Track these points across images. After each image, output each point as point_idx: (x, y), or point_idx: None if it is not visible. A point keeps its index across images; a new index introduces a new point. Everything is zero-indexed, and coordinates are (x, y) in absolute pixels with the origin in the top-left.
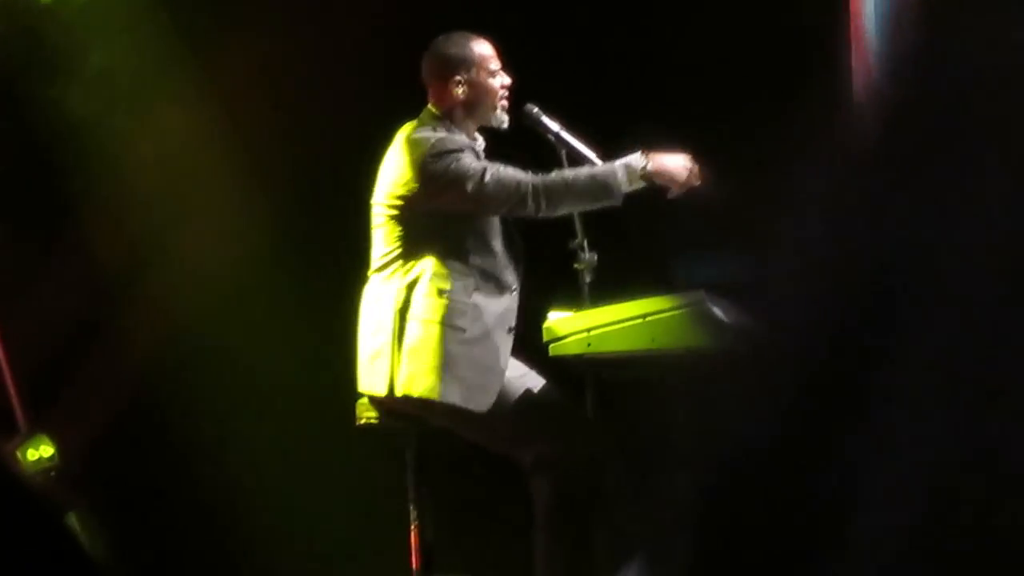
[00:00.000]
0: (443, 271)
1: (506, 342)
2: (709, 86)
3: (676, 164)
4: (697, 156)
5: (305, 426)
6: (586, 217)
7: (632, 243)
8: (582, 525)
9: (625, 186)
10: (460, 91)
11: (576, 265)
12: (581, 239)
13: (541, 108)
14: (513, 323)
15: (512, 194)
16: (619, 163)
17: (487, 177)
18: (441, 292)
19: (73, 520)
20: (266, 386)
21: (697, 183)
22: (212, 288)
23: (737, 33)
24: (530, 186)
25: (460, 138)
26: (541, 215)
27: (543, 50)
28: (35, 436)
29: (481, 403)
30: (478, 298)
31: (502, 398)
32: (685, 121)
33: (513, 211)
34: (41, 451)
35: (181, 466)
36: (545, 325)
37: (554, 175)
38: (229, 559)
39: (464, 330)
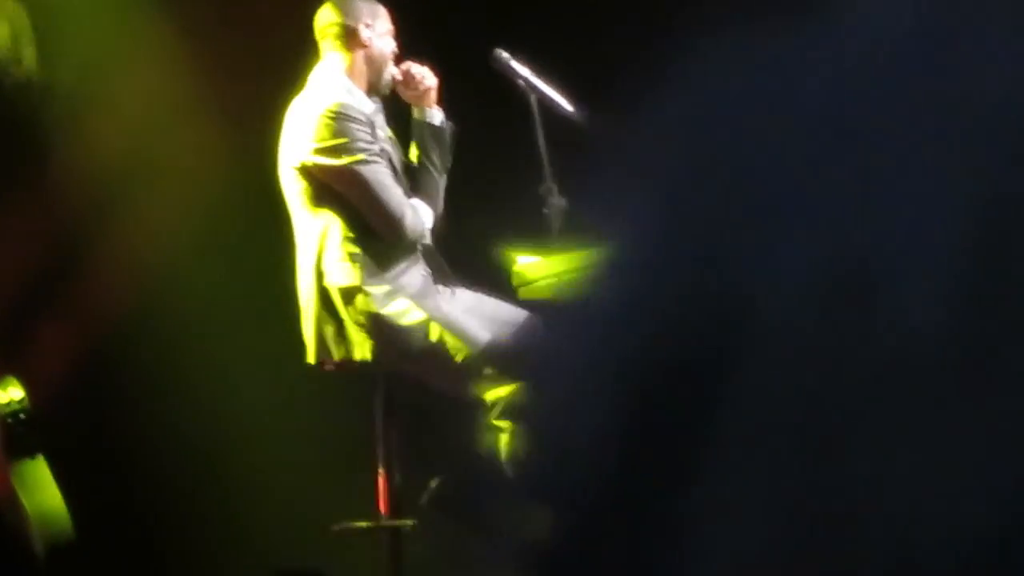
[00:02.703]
0: (353, 234)
1: (424, 286)
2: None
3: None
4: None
5: (270, 370)
6: (554, 162)
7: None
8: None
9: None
10: (364, 39)
11: (545, 209)
12: (549, 183)
13: (511, 55)
14: (426, 271)
15: (391, 209)
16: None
17: (376, 173)
18: (352, 255)
19: (42, 462)
20: (231, 332)
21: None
22: (175, 238)
23: None
24: (408, 212)
25: (363, 108)
26: (399, 240)
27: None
28: (3, 378)
29: (419, 341)
30: (389, 255)
31: (451, 348)
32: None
33: (378, 223)
34: (10, 394)
35: (144, 412)
36: (514, 269)
37: (415, 219)
38: (193, 507)
39: (383, 287)
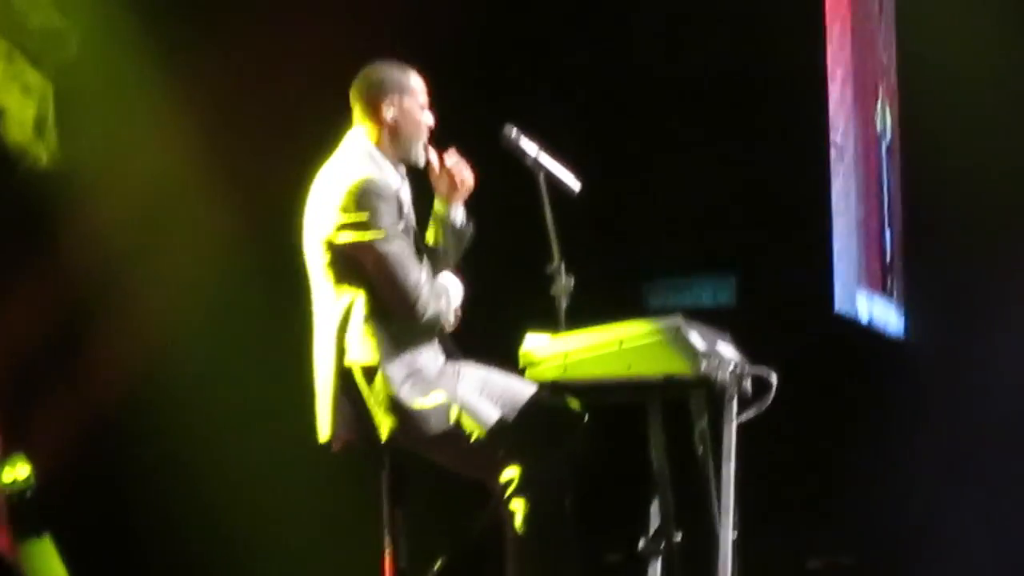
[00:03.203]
0: (373, 311)
1: (445, 369)
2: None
3: (450, 180)
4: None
5: (280, 448)
6: (562, 241)
7: (608, 268)
8: (552, 548)
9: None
10: (390, 114)
11: (552, 289)
12: (557, 263)
13: (520, 132)
14: (450, 352)
15: (408, 291)
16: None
17: (394, 255)
18: (374, 331)
19: (48, 542)
20: (242, 407)
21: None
22: (187, 307)
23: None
24: (424, 295)
25: (389, 183)
26: (414, 319)
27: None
28: (10, 456)
29: (438, 425)
30: (408, 335)
31: (466, 428)
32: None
33: (393, 303)
34: (17, 471)
35: (154, 485)
36: (521, 350)
37: (439, 303)
38: None
39: (401, 366)
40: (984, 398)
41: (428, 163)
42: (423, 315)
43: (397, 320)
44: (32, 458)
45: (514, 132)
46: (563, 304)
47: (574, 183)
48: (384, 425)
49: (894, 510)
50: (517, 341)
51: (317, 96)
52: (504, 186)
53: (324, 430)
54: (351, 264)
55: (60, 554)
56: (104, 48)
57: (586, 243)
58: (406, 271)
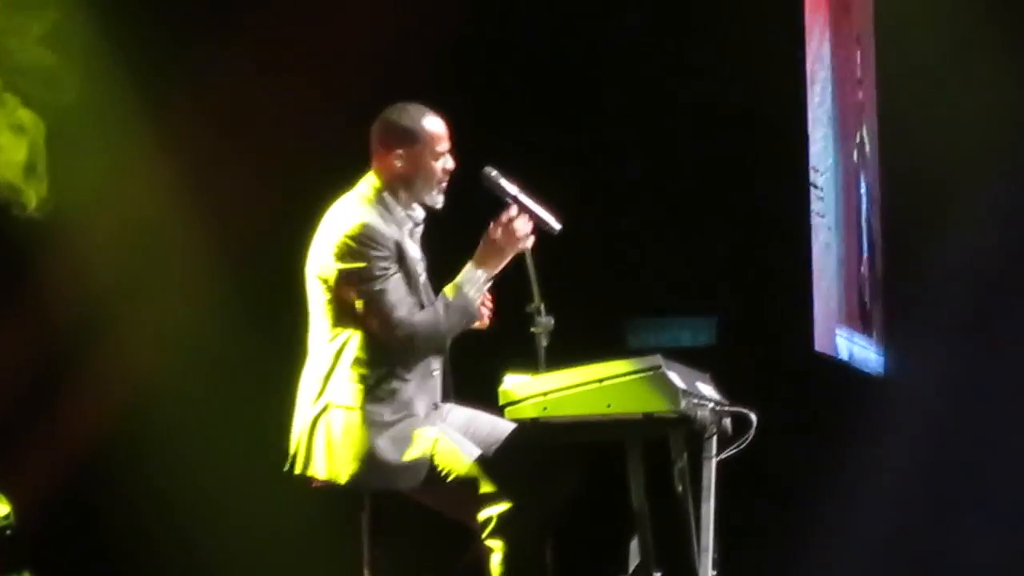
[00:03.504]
0: (364, 356)
1: (432, 419)
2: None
3: (500, 252)
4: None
5: (262, 487)
6: (543, 281)
7: (588, 308)
8: None
9: (478, 301)
10: (398, 163)
11: (533, 329)
12: (538, 303)
13: (500, 172)
14: (437, 400)
15: (395, 332)
16: (465, 285)
17: (384, 301)
18: (361, 377)
19: None
20: (223, 446)
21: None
22: (168, 347)
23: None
24: (410, 332)
25: (386, 230)
26: (412, 355)
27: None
28: None
29: (409, 482)
30: (397, 383)
31: (448, 468)
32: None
33: (387, 342)
34: None
35: (134, 525)
36: (501, 389)
37: (426, 321)
38: None
39: (383, 415)
40: (963, 434)
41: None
42: (415, 355)
43: (388, 367)
44: (11, 497)
45: (494, 172)
46: (543, 343)
47: (554, 223)
48: (351, 472)
49: (873, 545)
50: (497, 381)
51: (300, 138)
52: (483, 225)
53: (298, 464)
54: (347, 308)
55: None
56: (84, 88)
57: (566, 283)
58: (395, 311)
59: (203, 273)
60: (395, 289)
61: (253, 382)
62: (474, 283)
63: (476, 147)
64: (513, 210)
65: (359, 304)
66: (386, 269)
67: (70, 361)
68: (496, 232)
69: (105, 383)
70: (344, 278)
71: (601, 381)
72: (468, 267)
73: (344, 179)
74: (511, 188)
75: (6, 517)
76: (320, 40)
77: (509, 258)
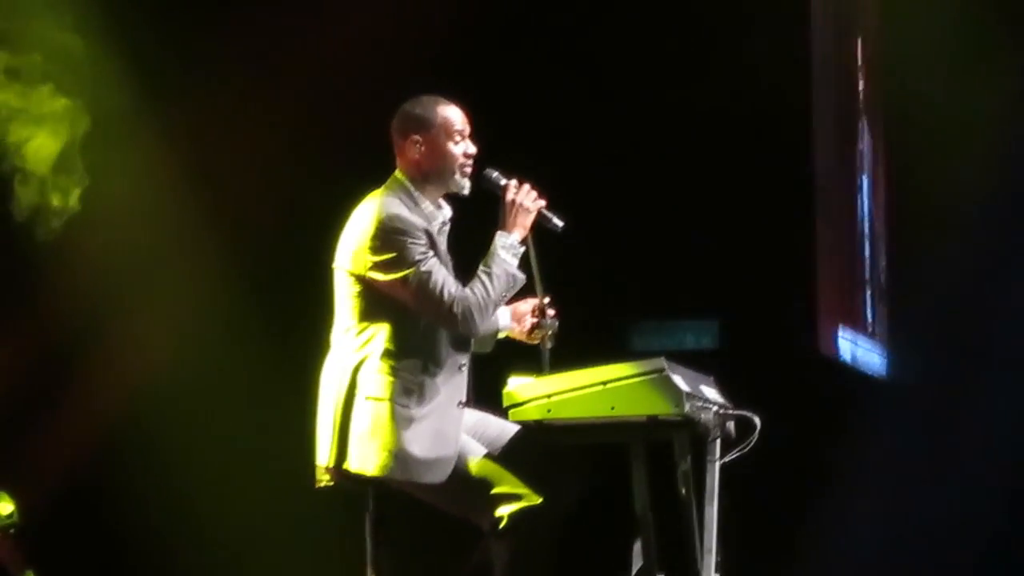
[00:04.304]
0: (393, 348)
1: (457, 417)
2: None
3: (525, 210)
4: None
5: (265, 488)
6: (546, 283)
7: (592, 310)
8: None
9: (516, 264)
10: (417, 152)
11: (537, 331)
12: (542, 300)
13: (501, 172)
14: (463, 398)
15: (444, 310)
16: (500, 251)
17: (430, 281)
18: (391, 369)
19: None
20: (229, 445)
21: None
22: (174, 348)
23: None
24: (460, 309)
25: (416, 219)
26: (464, 334)
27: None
28: None
29: (435, 477)
30: (426, 375)
31: (458, 468)
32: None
33: (437, 324)
34: (0, 508)
35: (140, 526)
36: (505, 391)
37: (476, 293)
38: None
39: (413, 408)
40: (967, 434)
41: (505, 189)
42: (472, 329)
43: (417, 360)
44: (16, 496)
45: (495, 173)
46: (548, 346)
47: (558, 222)
48: (380, 463)
49: (876, 546)
50: (501, 383)
51: (306, 137)
52: (487, 227)
53: (323, 457)
54: (381, 301)
55: None
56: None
57: (570, 285)
58: (444, 288)
59: (213, 270)
60: (438, 269)
61: (260, 380)
62: (510, 248)
63: (477, 147)
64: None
65: (402, 291)
66: (424, 253)
67: (76, 360)
68: (514, 194)
69: (111, 381)
70: (381, 268)
71: (605, 384)
72: (499, 235)
73: (370, 170)
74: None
75: (10, 515)
76: (336, 39)
77: (533, 217)
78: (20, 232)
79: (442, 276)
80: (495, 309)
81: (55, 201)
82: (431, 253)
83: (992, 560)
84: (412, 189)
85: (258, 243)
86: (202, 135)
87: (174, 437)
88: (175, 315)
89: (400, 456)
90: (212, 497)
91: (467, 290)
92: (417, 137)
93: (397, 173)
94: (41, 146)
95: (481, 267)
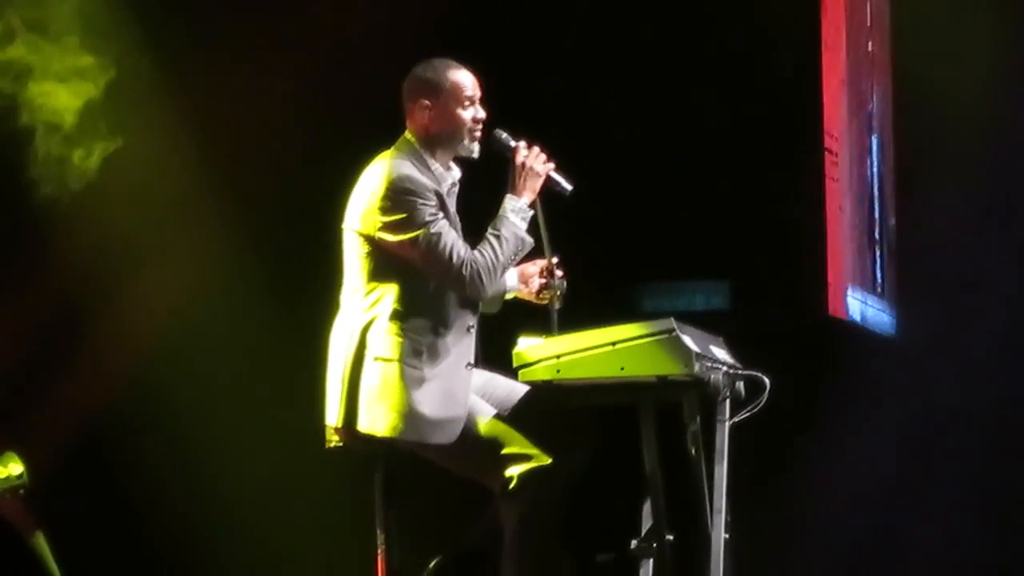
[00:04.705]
0: (402, 308)
1: (466, 378)
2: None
3: (535, 173)
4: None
5: (274, 448)
6: (555, 244)
7: (601, 271)
8: (549, 550)
9: (525, 227)
10: (426, 116)
11: (545, 292)
12: (550, 261)
13: (511, 134)
14: (472, 359)
15: (453, 272)
16: (509, 214)
17: (439, 243)
18: (399, 329)
19: (41, 540)
20: (236, 408)
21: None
22: (181, 311)
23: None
24: (468, 271)
25: (425, 180)
26: (471, 295)
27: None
28: (3, 454)
29: (444, 437)
30: (434, 336)
31: (467, 428)
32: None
33: (447, 285)
34: (10, 469)
35: (149, 486)
36: (515, 351)
37: (485, 255)
38: None
39: (422, 368)
40: (974, 394)
41: (514, 151)
42: (480, 291)
43: (426, 320)
44: (25, 458)
45: (504, 135)
46: (556, 306)
47: (567, 184)
48: (390, 424)
49: (885, 505)
50: (510, 344)
51: (316, 97)
52: (495, 189)
53: (332, 418)
54: (390, 261)
55: (53, 551)
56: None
57: (579, 246)
58: (454, 252)
59: (223, 230)
60: (448, 231)
61: (270, 339)
62: (519, 212)
63: (487, 111)
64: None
65: (412, 252)
66: (434, 215)
67: (85, 320)
68: (524, 157)
69: (121, 341)
70: (391, 229)
71: (614, 344)
72: (508, 198)
73: (377, 130)
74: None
75: (20, 476)
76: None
77: (543, 181)
78: (35, 189)
79: (451, 238)
80: (503, 272)
81: (75, 159)
82: (441, 215)
83: (995, 518)
84: (421, 151)
85: (268, 203)
86: (214, 96)
87: (184, 397)
88: (185, 275)
89: (409, 417)
90: (221, 457)
91: (476, 252)
92: (426, 101)
93: (407, 134)
94: (64, 102)
95: (490, 230)
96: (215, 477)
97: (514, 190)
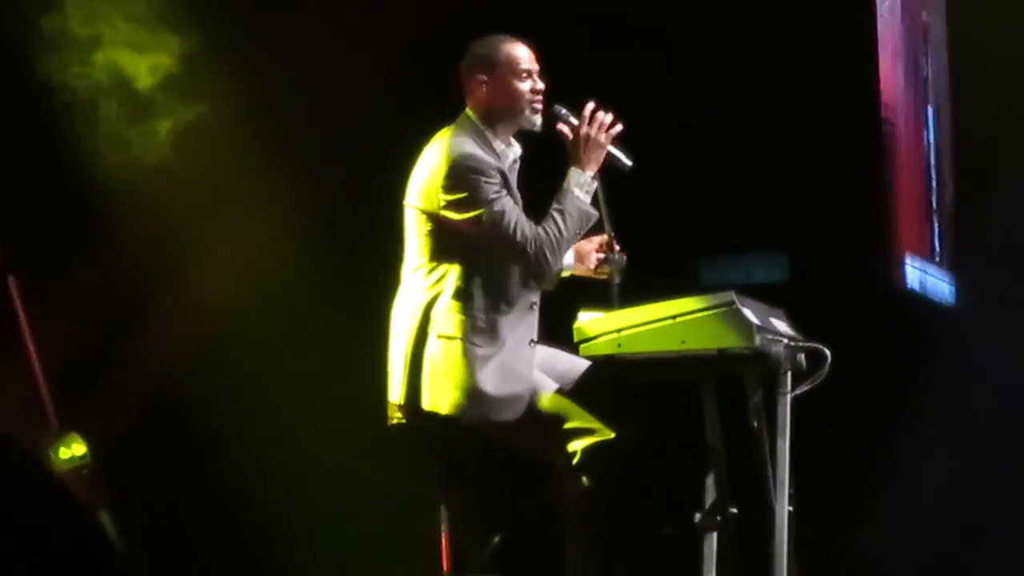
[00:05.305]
0: (465, 286)
1: (529, 355)
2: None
3: (598, 145)
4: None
5: (336, 426)
6: (615, 219)
7: (661, 245)
8: (612, 524)
9: (589, 200)
10: (484, 91)
11: (604, 266)
12: (610, 237)
13: (570, 109)
14: (535, 336)
15: (518, 249)
16: (573, 187)
17: (504, 220)
18: (462, 307)
19: (104, 518)
20: (297, 386)
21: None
22: (243, 288)
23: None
24: (534, 248)
25: (488, 158)
26: (536, 271)
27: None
28: (67, 434)
29: (507, 415)
30: (497, 314)
31: (530, 404)
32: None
33: (512, 262)
34: (73, 449)
35: (208, 465)
36: (576, 325)
37: (549, 231)
38: (255, 560)
39: (484, 346)
40: None
41: (578, 123)
42: (545, 268)
43: (490, 298)
44: (88, 438)
45: (563, 110)
46: (616, 281)
47: (626, 160)
48: (453, 402)
49: (949, 476)
50: (571, 319)
51: (393, 76)
52: (556, 165)
53: (395, 395)
54: (453, 239)
55: (116, 531)
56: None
57: (639, 220)
58: (517, 228)
59: (286, 206)
60: (512, 208)
61: (332, 318)
62: (583, 185)
63: (547, 85)
64: (588, 108)
65: (476, 230)
66: (498, 192)
67: (145, 303)
68: (588, 128)
69: (181, 324)
70: (454, 207)
71: (675, 318)
72: (572, 171)
73: (434, 105)
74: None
75: (83, 456)
76: None
77: (606, 153)
78: (103, 162)
79: (515, 215)
80: (568, 247)
81: (144, 133)
82: (504, 192)
83: None
84: (483, 127)
85: (331, 180)
86: (282, 72)
87: (246, 376)
88: (248, 252)
89: (473, 394)
90: (284, 436)
91: (540, 229)
92: (483, 76)
93: (467, 111)
94: (134, 73)
95: (554, 204)
96: (278, 457)
97: (578, 162)
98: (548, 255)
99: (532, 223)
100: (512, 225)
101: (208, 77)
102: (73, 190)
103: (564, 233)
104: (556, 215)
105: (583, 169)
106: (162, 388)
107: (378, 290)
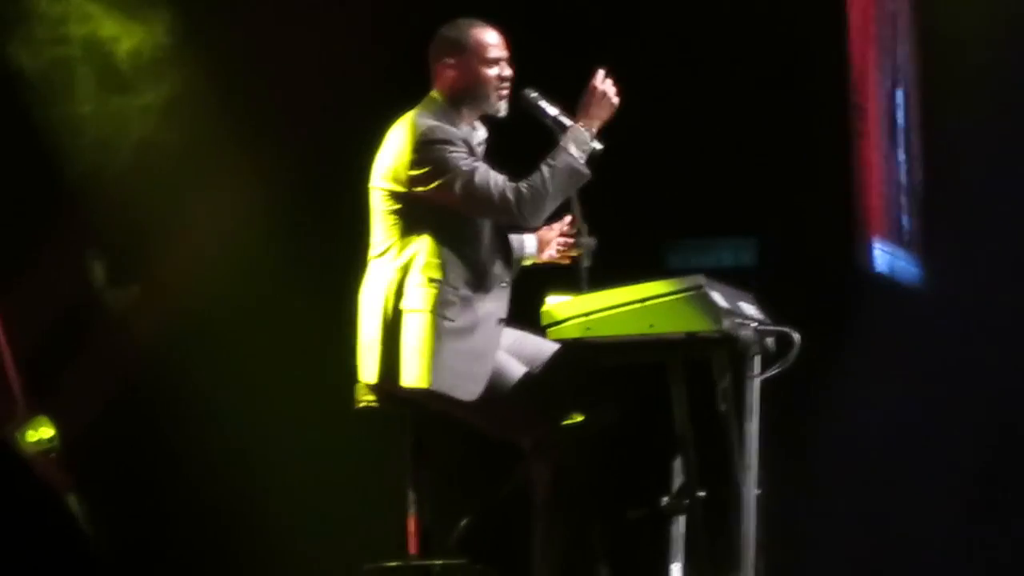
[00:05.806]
0: (435, 260)
1: (496, 332)
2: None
3: (602, 106)
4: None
5: (304, 409)
6: (584, 202)
7: (629, 228)
8: (580, 507)
9: (584, 159)
10: (451, 74)
11: (573, 250)
12: (579, 225)
13: (540, 93)
14: (503, 315)
15: (497, 201)
16: (569, 144)
17: (476, 178)
18: (432, 281)
19: (72, 501)
20: (265, 369)
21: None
22: (212, 271)
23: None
24: (514, 196)
25: (454, 129)
26: (523, 224)
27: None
28: (35, 418)
29: (469, 392)
30: (468, 290)
31: (496, 385)
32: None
33: (496, 218)
34: (41, 433)
35: (177, 448)
36: (544, 309)
37: (533, 182)
38: (224, 542)
39: (453, 320)
40: (1004, 344)
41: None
42: (523, 222)
43: (460, 273)
44: (56, 421)
45: (534, 94)
46: (585, 264)
47: (597, 145)
48: (420, 374)
49: (915, 457)
50: (539, 302)
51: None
52: (524, 148)
53: (367, 375)
54: (422, 216)
55: (84, 513)
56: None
57: (607, 203)
58: (491, 182)
59: (253, 189)
60: (482, 167)
61: (303, 300)
62: (580, 142)
63: (515, 68)
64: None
65: (449, 195)
66: (466, 157)
67: (113, 287)
68: (602, 84)
69: (152, 305)
70: (424, 180)
71: (643, 301)
72: (572, 128)
73: (401, 89)
74: (552, 110)
75: (51, 439)
76: None
77: (609, 116)
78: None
79: (486, 171)
80: (553, 203)
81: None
82: (472, 158)
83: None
84: (448, 109)
85: (298, 162)
86: (249, 55)
87: (214, 361)
88: (218, 233)
89: (437, 367)
90: (252, 420)
91: (522, 182)
92: (450, 60)
93: (433, 93)
94: (122, 48)
95: (545, 159)
96: (247, 440)
97: (583, 116)
98: (528, 205)
99: (507, 177)
100: (486, 181)
101: (175, 58)
102: (40, 173)
103: (548, 187)
104: (544, 168)
105: (587, 125)
106: (131, 370)
107: (349, 272)
